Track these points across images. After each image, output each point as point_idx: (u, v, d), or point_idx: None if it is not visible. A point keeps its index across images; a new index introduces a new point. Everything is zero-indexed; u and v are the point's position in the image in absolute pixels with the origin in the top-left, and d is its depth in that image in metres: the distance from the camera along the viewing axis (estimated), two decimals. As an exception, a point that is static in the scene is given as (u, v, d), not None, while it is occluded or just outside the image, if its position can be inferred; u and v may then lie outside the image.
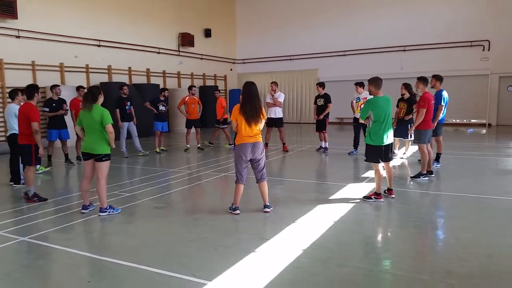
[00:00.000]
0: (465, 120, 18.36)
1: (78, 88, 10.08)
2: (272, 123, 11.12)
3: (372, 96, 6.06)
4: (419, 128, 7.24)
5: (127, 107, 10.52)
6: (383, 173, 6.04)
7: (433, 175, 7.40)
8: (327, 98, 10.78)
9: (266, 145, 11.20)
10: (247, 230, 4.86)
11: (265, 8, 22.17)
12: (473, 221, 5.01)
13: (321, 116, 10.75)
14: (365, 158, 6.12)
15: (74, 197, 6.60)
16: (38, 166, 8.28)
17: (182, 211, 5.84)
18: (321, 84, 11.10)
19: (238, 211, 5.34)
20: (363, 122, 6.12)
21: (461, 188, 6.63)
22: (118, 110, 10.35)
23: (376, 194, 5.94)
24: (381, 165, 5.97)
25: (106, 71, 15.35)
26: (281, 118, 11.28)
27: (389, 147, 5.95)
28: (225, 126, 12.29)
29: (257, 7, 22.47)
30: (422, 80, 7.36)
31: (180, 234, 4.76)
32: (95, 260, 4.01)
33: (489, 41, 17.33)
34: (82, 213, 5.53)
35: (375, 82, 5.90)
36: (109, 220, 5.28)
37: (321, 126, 10.89)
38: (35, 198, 6.21)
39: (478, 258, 3.85)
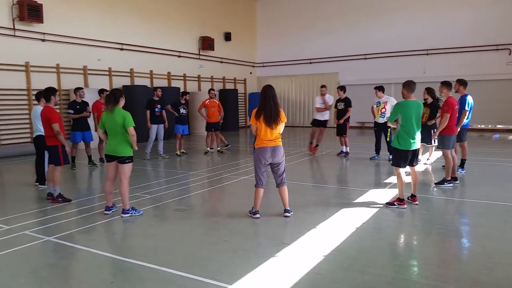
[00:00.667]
0: (490, 126, 17.90)
1: (101, 91, 10.27)
2: (319, 124, 11.31)
3: (401, 101, 5.99)
4: (443, 133, 7.10)
5: (156, 110, 10.64)
6: (406, 178, 5.93)
7: (457, 182, 7.23)
8: (347, 102, 10.69)
9: (316, 146, 11.45)
10: (267, 234, 4.84)
11: (285, 11, 22.16)
12: (499, 230, 4.87)
13: (341, 121, 10.66)
14: (391, 162, 6.07)
15: (97, 198, 6.71)
16: None
17: (202, 214, 5.87)
18: (342, 88, 11.02)
19: (258, 215, 5.32)
20: (391, 125, 6.06)
21: (487, 195, 6.45)
22: (148, 112, 10.49)
23: (399, 200, 5.84)
24: (403, 170, 5.88)
25: (129, 74, 15.61)
26: (327, 120, 11.54)
27: (416, 152, 5.90)
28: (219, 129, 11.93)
29: (277, 10, 22.48)
30: (446, 84, 7.22)
31: (200, 237, 4.78)
32: (117, 261, 4.06)
33: (515, 45, 16.87)
34: (105, 214, 5.62)
35: (408, 85, 5.84)
36: (131, 222, 5.34)
37: (341, 130, 10.80)
38: (60, 199, 6.33)
39: (504, 268, 3.73)
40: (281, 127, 5.25)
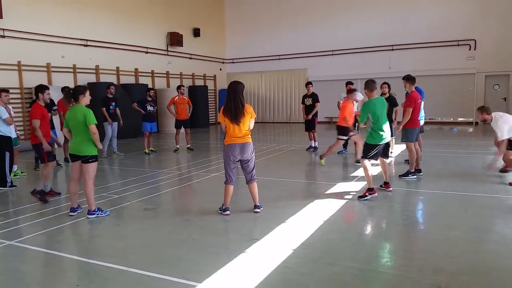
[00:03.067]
0: (451, 119, 18.59)
1: (64, 88, 9.97)
2: None
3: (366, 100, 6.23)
4: (406, 127, 7.35)
5: (111, 107, 10.47)
6: (372, 169, 6.16)
7: (421, 174, 7.47)
8: (315, 98, 10.81)
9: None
10: (237, 230, 4.85)
11: (254, 8, 22.17)
12: (460, 219, 5.07)
13: (310, 116, 10.78)
14: (362, 155, 6.26)
15: (62, 199, 6.52)
16: (15, 169, 8.20)
17: (172, 212, 5.81)
18: (311, 83, 11.15)
19: (228, 212, 5.32)
20: (363, 126, 6.26)
21: (449, 186, 6.71)
22: (104, 110, 10.32)
23: (369, 190, 6.05)
24: (369, 162, 6.10)
25: (94, 71, 15.21)
26: None
27: (387, 144, 6.24)
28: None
29: (245, 7, 22.45)
30: (409, 79, 7.45)
31: (169, 236, 4.73)
32: (83, 263, 3.96)
33: (475, 41, 17.56)
34: (70, 215, 5.47)
35: (368, 85, 6.14)
36: (97, 223, 5.22)
37: (310, 125, 10.92)
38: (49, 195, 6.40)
39: (466, 255, 3.90)
40: (250, 123, 5.25)
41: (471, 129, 16.23)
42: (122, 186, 7.35)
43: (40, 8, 13.27)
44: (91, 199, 5.39)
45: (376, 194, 6.03)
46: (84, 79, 14.64)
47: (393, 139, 9.65)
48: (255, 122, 5.44)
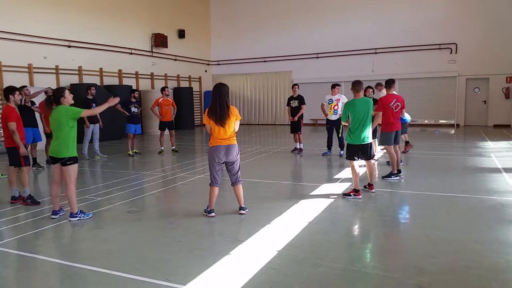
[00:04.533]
0: (433, 121, 18.92)
1: (46, 90, 9.82)
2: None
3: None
4: (383, 131, 7.49)
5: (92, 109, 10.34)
6: (360, 170, 6.23)
7: (402, 174, 7.56)
8: (301, 100, 10.86)
9: None
10: (222, 232, 4.84)
11: (240, 10, 22.20)
12: (442, 219, 5.16)
13: (296, 118, 10.83)
14: (347, 156, 6.40)
15: (43, 202, 6.41)
16: None
17: (156, 215, 5.77)
18: (297, 85, 11.20)
19: (213, 214, 5.31)
20: (344, 123, 6.41)
21: (431, 187, 6.82)
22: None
23: (355, 191, 6.16)
24: (356, 163, 6.21)
25: (77, 72, 15.00)
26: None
27: (368, 146, 6.27)
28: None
29: (231, 9, 22.47)
30: (385, 83, 7.60)
31: (153, 238, 4.69)
32: (65, 267, 3.90)
33: (456, 44, 17.91)
34: (52, 218, 5.38)
35: (353, 85, 6.30)
36: (80, 226, 5.15)
37: (296, 127, 10.96)
38: (29, 200, 6.15)
39: (447, 255, 3.96)
40: (235, 125, 5.25)
41: (452, 131, 16.53)
42: (105, 189, 7.26)
43: (22, 8, 13.04)
44: (73, 202, 5.30)
45: (360, 197, 6.11)
46: (66, 80, 14.43)
47: (376, 141, 9.77)
48: (240, 124, 5.44)
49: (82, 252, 4.35)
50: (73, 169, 5.29)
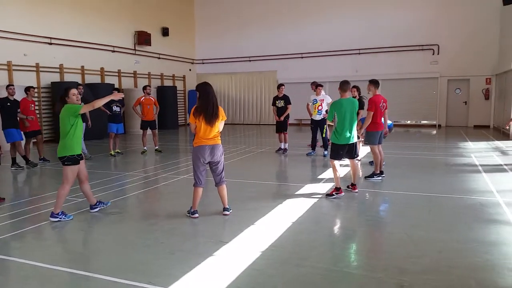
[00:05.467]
0: (414, 121, 19.19)
1: (27, 88, 9.70)
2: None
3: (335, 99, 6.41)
4: (369, 130, 7.54)
5: None
6: (341, 170, 6.33)
7: (384, 175, 7.63)
8: (286, 100, 10.88)
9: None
10: (206, 233, 4.81)
11: (224, 8, 22.12)
12: (424, 219, 5.23)
13: (282, 118, 10.85)
14: (330, 155, 6.42)
15: (22, 203, 6.27)
16: None
17: (138, 216, 5.70)
18: (283, 85, 11.19)
19: (196, 215, 5.27)
20: (330, 123, 6.44)
21: (413, 187, 6.91)
22: None
23: (336, 189, 6.22)
24: (338, 162, 6.29)
25: (58, 70, 14.72)
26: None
27: (353, 146, 6.34)
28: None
29: (215, 6, 22.37)
30: (373, 83, 7.63)
31: (135, 240, 4.63)
32: (45, 270, 3.81)
33: (438, 46, 18.21)
34: (91, 212, 5.57)
35: (341, 85, 6.34)
36: (60, 227, 5.05)
37: (282, 127, 10.98)
38: None
39: (429, 255, 4.02)
40: (220, 125, 5.23)
41: (434, 132, 16.81)
42: (87, 189, 7.12)
43: (1, 3, 12.73)
44: (59, 202, 5.24)
45: (342, 194, 6.22)
46: (47, 78, 14.16)
47: (360, 141, 9.86)
48: (224, 124, 5.42)
49: (63, 254, 4.27)
50: (71, 169, 5.22)
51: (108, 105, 10.66)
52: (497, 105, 17.03)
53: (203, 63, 23.09)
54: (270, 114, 21.56)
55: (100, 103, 5.24)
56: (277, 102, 10.99)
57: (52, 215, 5.22)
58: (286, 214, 5.43)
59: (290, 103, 10.88)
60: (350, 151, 6.34)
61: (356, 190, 6.53)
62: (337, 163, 6.29)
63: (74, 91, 5.31)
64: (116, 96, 5.48)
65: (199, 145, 5.16)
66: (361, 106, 9.08)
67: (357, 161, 9.55)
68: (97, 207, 5.62)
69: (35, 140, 9.96)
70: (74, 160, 5.24)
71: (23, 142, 9.60)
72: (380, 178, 7.51)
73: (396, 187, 6.97)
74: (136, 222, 5.36)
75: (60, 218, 5.23)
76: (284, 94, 10.97)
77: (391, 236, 4.72)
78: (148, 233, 4.82)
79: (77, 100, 5.31)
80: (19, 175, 8.72)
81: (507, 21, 15.82)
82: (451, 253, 4.06)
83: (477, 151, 10.72)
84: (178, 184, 7.61)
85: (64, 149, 5.19)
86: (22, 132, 9.33)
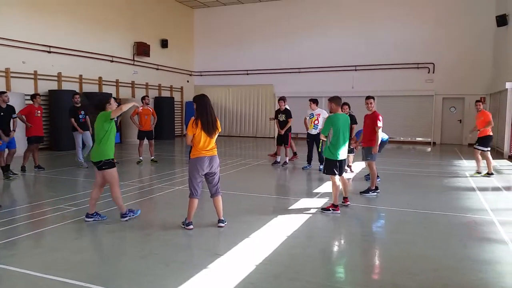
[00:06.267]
0: (409, 138, 19.31)
1: (34, 96, 9.93)
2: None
3: (331, 114, 6.41)
4: (369, 145, 7.54)
5: (80, 116, 10.28)
6: (339, 186, 6.36)
7: (379, 191, 7.64)
8: (288, 114, 10.99)
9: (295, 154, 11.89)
10: (200, 245, 4.79)
11: (223, 22, 22.33)
12: (419, 236, 5.24)
13: (283, 131, 10.93)
14: (324, 171, 6.43)
15: (18, 210, 6.21)
16: None
17: (133, 226, 5.64)
18: (284, 99, 11.27)
19: (191, 226, 5.25)
20: (324, 137, 6.35)
21: (408, 203, 6.92)
22: (73, 120, 10.17)
23: (334, 206, 6.19)
24: (337, 178, 6.26)
25: (56, 78, 14.74)
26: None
27: (344, 161, 6.39)
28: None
29: (215, 20, 22.58)
30: (372, 98, 7.68)
31: (130, 250, 4.60)
32: (37, 279, 3.77)
33: (433, 64, 18.44)
34: (86, 221, 5.51)
35: (336, 100, 6.35)
36: (54, 235, 5.01)
37: (284, 140, 11.04)
38: None
39: (425, 272, 4.01)
40: (215, 137, 5.27)
41: (429, 149, 16.91)
42: (81, 198, 7.09)
43: (1, 11, 12.78)
44: (119, 203, 5.57)
45: (339, 212, 6.16)
46: (45, 86, 14.17)
47: (352, 156, 9.92)
48: (220, 136, 5.45)
49: (55, 262, 4.22)
50: (110, 173, 5.47)
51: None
52: (491, 124, 17.17)
53: (201, 75, 23.21)
54: (267, 127, 21.65)
55: (127, 106, 5.47)
56: (278, 115, 11.10)
57: (122, 215, 5.62)
58: (281, 227, 5.42)
59: (291, 117, 11.00)
60: (342, 167, 6.37)
61: (348, 203, 6.56)
62: (336, 178, 6.27)
63: (112, 100, 5.66)
64: (134, 105, 5.80)
65: (198, 157, 5.16)
66: (353, 122, 9.18)
67: (350, 175, 9.61)
68: (92, 218, 5.60)
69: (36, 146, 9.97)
70: (110, 163, 5.47)
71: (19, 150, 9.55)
72: (375, 194, 7.52)
73: (391, 203, 6.98)
74: (130, 232, 5.32)
75: (130, 216, 5.64)
76: (285, 108, 11.08)
77: (386, 253, 4.72)
78: (143, 244, 4.79)
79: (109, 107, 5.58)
80: (12, 183, 8.64)
81: (501, 42, 16.08)
82: (446, 271, 4.06)
83: (471, 169, 10.77)
84: (173, 195, 7.58)
85: (99, 154, 5.41)
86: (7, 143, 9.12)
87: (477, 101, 10.19)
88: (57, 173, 9.63)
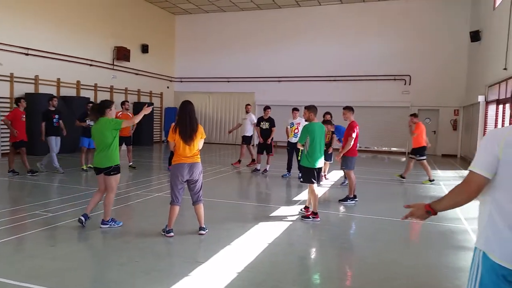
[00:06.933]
0: (385, 148, 19.69)
1: (19, 99, 9.83)
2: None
3: (307, 123, 6.49)
4: (347, 155, 7.70)
5: (54, 120, 10.05)
6: (318, 193, 6.46)
7: (357, 199, 7.77)
8: (271, 122, 11.09)
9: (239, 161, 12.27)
10: (181, 253, 4.76)
11: (205, 28, 22.35)
12: (396, 244, 5.36)
13: (269, 141, 11.03)
14: (301, 179, 6.51)
15: (-11, 216, 6.03)
16: None
17: (111, 234, 5.55)
18: (269, 108, 11.44)
19: (172, 234, 5.21)
20: (301, 146, 6.44)
21: (385, 212, 7.07)
22: (44, 124, 9.89)
23: (314, 214, 6.26)
24: (316, 185, 6.31)
25: (33, 81, 14.40)
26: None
27: (320, 170, 6.49)
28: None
29: (196, 27, 22.57)
30: (350, 109, 7.86)
31: (108, 258, 4.53)
32: (11, 287, 3.67)
33: (410, 76, 18.93)
34: (80, 220, 5.52)
35: (313, 109, 6.45)
36: (30, 242, 4.88)
37: (267, 149, 11.15)
38: None
39: (400, 278, 4.12)
40: (200, 143, 5.26)
41: (403, 159, 17.27)
42: (57, 204, 6.94)
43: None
44: (108, 210, 5.54)
45: (318, 220, 6.23)
46: (22, 89, 13.81)
47: (328, 164, 10.10)
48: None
49: (31, 270, 4.11)
50: (115, 178, 5.54)
51: (83, 118, 10.41)
52: (464, 136, 17.74)
53: (181, 81, 23.11)
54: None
55: (138, 118, 5.67)
56: (261, 123, 11.19)
57: (103, 222, 5.54)
58: (262, 235, 5.45)
59: (274, 126, 11.12)
60: (318, 175, 6.46)
61: (317, 219, 6.30)
62: (315, 186, 6.35)
63: (113, 106, 5.72)
64: (148, 110, 5.76)
65: (178, 163, 5.16)
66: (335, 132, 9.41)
67: (325, 182, 9.76)
68: (108, 224, 5.61)
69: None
70: (118, 169, 5.53)
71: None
72: (354, 202, 7.65)
73: (369, 212, 7.11)
74: (109, 240, 5.24)
75: (111, 225, 5.54)
76: (269, 117, 11.20)
77: (365, 260, 4.80)
78: (121, 251, 4.72)
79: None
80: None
81: (474, 56, 16.68)
82: (422, 278, 4.17)
83: (446, 179, 11.09)
84: (151, 202, 7.50)
85: (108, 159, 5.43)
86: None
87: (412, 115, 10.83)
88: (32, 178, 9.39)
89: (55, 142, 10.10)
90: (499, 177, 2.03)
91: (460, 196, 2.18)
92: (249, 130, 12.23)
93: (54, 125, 10.06)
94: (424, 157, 10.27)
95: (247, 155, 12.56)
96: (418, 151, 10.30)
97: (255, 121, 11.88)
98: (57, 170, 10.07)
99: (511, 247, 1.96)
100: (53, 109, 10.16)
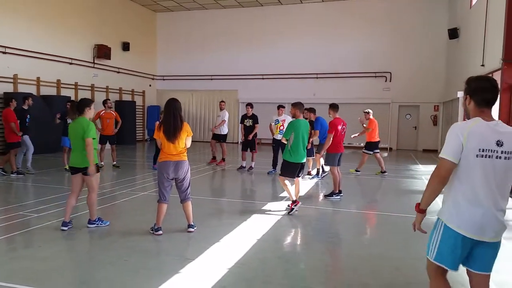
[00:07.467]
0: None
1: (11, 99, 9.70)
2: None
3: (293, 119, 6.58)
4: (329, 151, 7.83)
5: (27, 120, 9.83)
6: (289, 184, 6.61)
7: (342, 194, 7.89)
8: (255, 119, 11.12)
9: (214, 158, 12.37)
10: (170, 251, 4.75)
11: (187, 26, 22.20)
12: (381, 237, 5.47)
13: (250, 137, 11.03)
14: (280, 173, 6.63)
15: (-30, 218, 5.89)
16: None
17: (97, 233, 5.50)
18: (251, 105, 11.44)
19: (160, 232, 5.19)
20: (286, 141, 6.60)
21: (370, 206, 7.21)
22: (17, 122, 9.68)
23: (293, 202, 6.45)
24: (285, 178, 6.56)
25: (12, 80, 14.06)
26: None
27: (303, 165, 6.66)
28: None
29: (178, 24, 22.39)
30: (333, 107, 7.99)
31: (96, 257, 4.49)
32: (-1, 289, 3.62)
33: (390, 73, 19.23)
34: (62, 230, 5.25)
35: (300, 106, 6.62)
36: (16, 243, 4.80)
37: (251, 146, 11.18)
38: None
39: (389, 271, 4.21)
40: (187, 141, 5.24)
41: (386, 154, 17.56)
42: (41, 205, 6.82)
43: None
44: (94, 210, 5.48)
45: (300, 203, 6.45)
46: (0, 89, 13.48)
47: (311, 160, 10.23)
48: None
49: (19, 272, 4.05)
50: (95, 178, 5.40)
51: (63, 118, 10.21)
52: (444, 131, 18.11)
53: (163, 79, 22.90)
54: (230, 132, 21.65)
55: (91, 158, 5.29)
56: (245, 121, 11.21)
57: (90, 222, 5.49)
58: (250, 231, 5.48)
59: (257, 123, 11.16)
60: (302, 170, 6.64)
61: (299, 203, 6.52)
62: (284, 179, 6.54)
63: (93, 106, 5.53)
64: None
65: (163, 161, 5.14)
66: (314, 127, 9.58)
67: (311, 177, 9.87)
68: (95, 223, 5.54)
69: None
70: (97, 168, 5.42)
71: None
72: (339, 197, 7.76)
73: (354, 206, 7.22)
74: (95, 239, 5.19)
75: (98, 224, 5.49)
76: (252, 114, 11.22)
77: (352, 253, 4.88)
78: (109, 250, 4.68)
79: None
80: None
81: (452, 53, 17.05)
82: (408, 270, 4.27)
83: (428, 173, 11.31)
84: (137, 201, 7.45)
85: (86, 159, 5.24)
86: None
87: (366, 112, 11.73)
88: (12, 179, 9.19)
89: (30, 140, 9.89)
90: (462, 161, 2.48)
91: (433, 181, 2.61)
92: (223, 128, 12.10)
93: (26, 125, 9.86)
94: (378, 151, 10.94)
95: (219, 149, 12.49)
96: (372, 146, 10.91)
97: (226, 119, 12.02)
98: (29, 170, 9.83)
99: (466, 217, 2.50)
100: (26, 107, 9.97)
